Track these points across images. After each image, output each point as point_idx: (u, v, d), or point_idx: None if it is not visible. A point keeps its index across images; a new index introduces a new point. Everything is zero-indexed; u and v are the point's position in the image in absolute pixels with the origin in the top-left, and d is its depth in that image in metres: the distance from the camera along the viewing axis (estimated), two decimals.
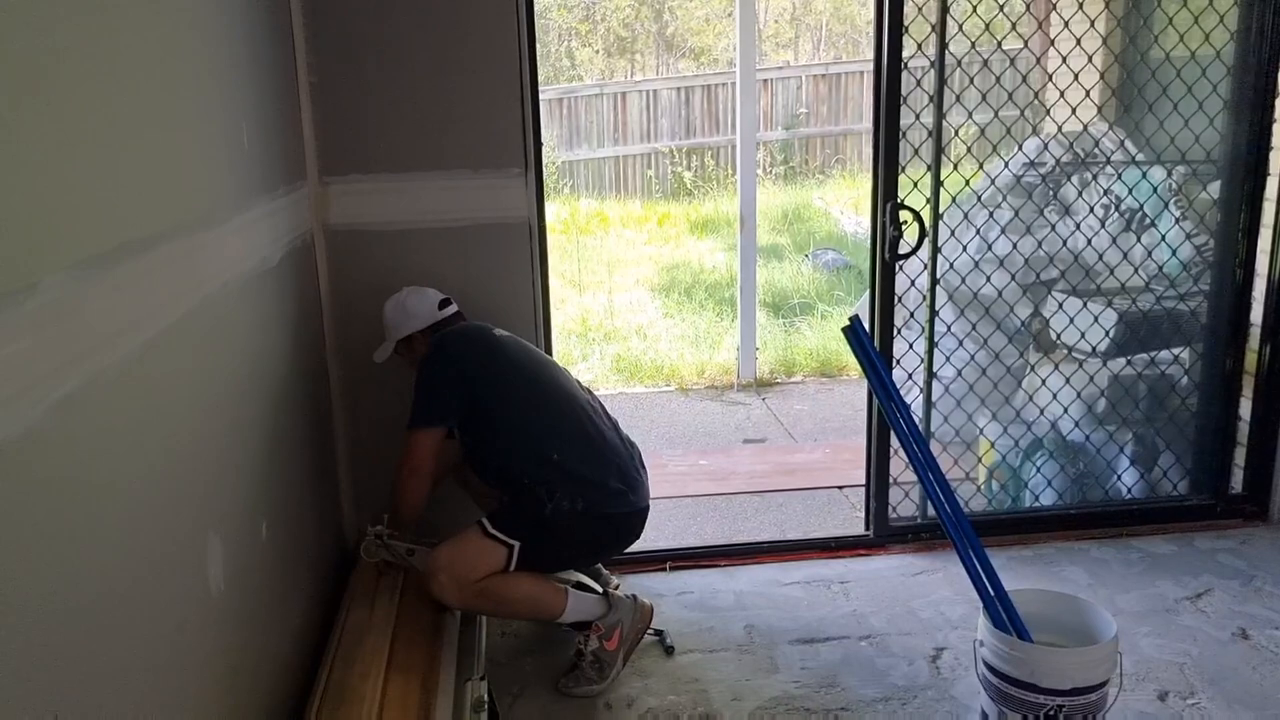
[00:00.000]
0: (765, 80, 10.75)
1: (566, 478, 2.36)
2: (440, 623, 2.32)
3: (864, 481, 3.16)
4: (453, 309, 2.58)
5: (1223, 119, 3.11)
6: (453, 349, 2.45)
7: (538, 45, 2.71)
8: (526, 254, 2.75)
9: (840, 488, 3.73)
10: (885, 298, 2.98)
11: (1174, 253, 3.33)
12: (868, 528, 3.19)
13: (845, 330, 2.26)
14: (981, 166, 3.48)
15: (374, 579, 2.42)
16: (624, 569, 2.99)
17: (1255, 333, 3.16)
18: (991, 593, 2.11)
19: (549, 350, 2.85)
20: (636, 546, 3.18)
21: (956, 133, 3.01)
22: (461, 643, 2.31)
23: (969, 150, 3.18)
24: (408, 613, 2.31)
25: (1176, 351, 3.36)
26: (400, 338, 2.55)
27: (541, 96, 2.76)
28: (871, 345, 2.29)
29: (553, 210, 8.83)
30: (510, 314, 2.75)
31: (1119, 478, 3.36)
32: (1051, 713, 1.98)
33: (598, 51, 14.13)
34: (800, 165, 10.91)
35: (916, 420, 2.63)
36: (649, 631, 2.62)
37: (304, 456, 2.41)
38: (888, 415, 2.26)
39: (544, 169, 2.85)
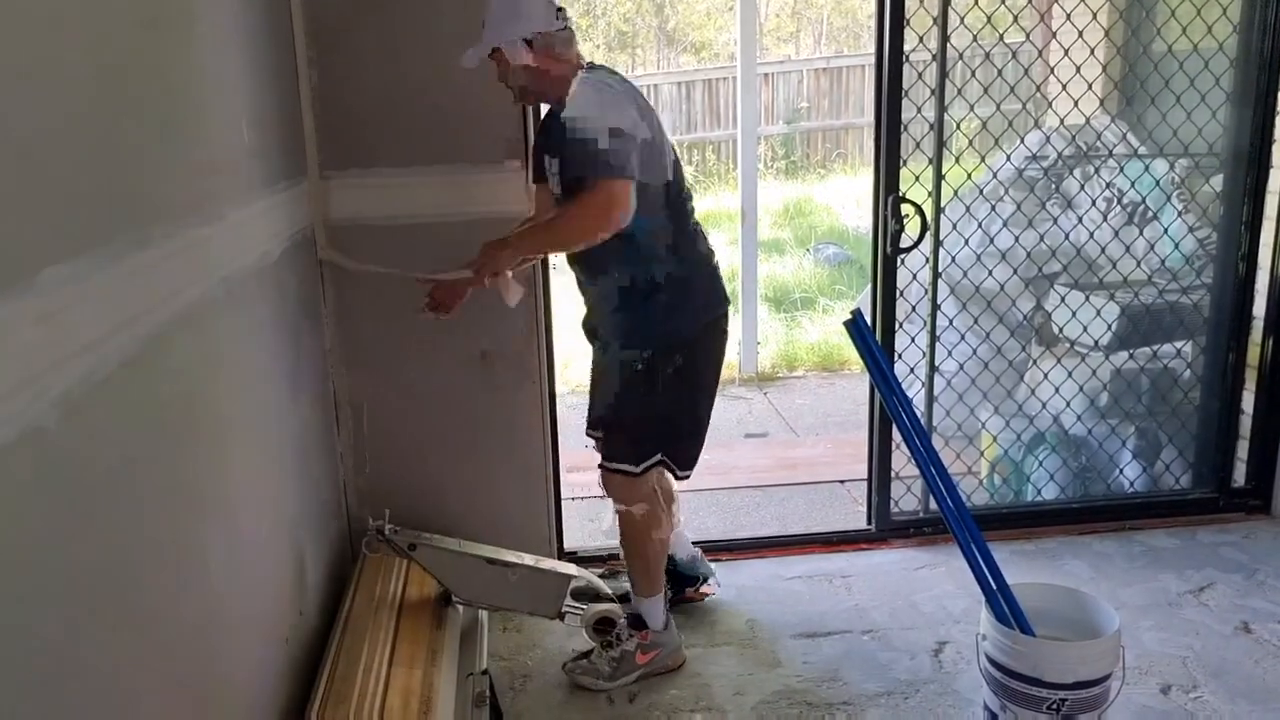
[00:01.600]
0: (766, 74, 10.73)
1: (683, 281, 2.30)
2: (442, 617, 2.32)
3: (866, 476, 3.16)
4: (565, 23, 2.22)
5: (1226, 112, 3.10)
6: (619, 86, 2.18)
7: None
8: None
9: (842, 482, 3.73)
10: (887, 292, 2.97)
11: (1176, 246, 3.32)
12: (869, 522, 3.18)
13: (847, 324, 2.25)
14: (983, 160, 3.48)
15: (376, 575, 2.42)
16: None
17: (1258, 326, 3.15)
18: (994, 586, 2.10)
19: (548, 345, 2.85)
20: None
21: (958, 126, 3.00)
22: (464, 638, 2.31)
23: (971, 144, 3.17)
24: (410, 608, 2.31)
25: (1179, 345, 3.35)
26: (503, 42, 2.16)
27: None
28: (873, 339, 2.29)
29: None
30: (510, 308, 2.74)
31: (1121, 471, 3.36)
32: (1054, 706, 1.98)
33: (598, 46, 14.09)
34: (802, 159, 10.89)
35: (918, 414, 2.63)
36: None
37: (306, 451, 2.40)
38: (889, 409, 2.26)
39: None
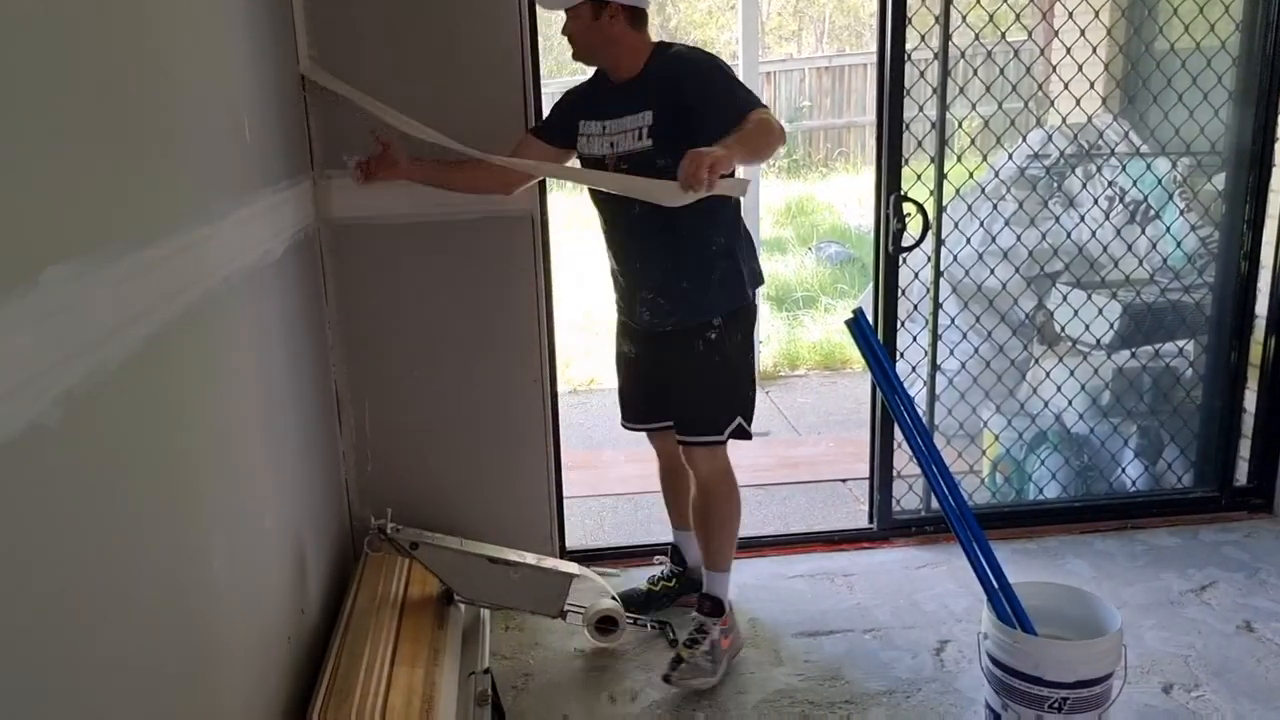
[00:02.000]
0: (768, 73, 10.73)
1: (742, 250, 2.40)
2: (444, 616, 2.32)
3: (868, 474, 3.16)
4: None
5: (1228, 110, 3.10)
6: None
7: (540, 37, 2.69)
8: (529, 246, 2.74)
9: (844, 481, 3.73)
10: (889, 290, 2.97)
11: (1178, 245, 3.32)
12: (871, 521, 3.18)
13: (848, 323, 2.25)
14: (985, 159, 3.47)
15: (378, 574, 2.42)
16: (629, 562, 3.00)
17: (1260, 325, 3.15)
18: (995, 585, 2.10)
19: (550, 344, 2.85)
20: (639, 540, 3.21)
21: (960, 125, 3.00)
22: (466, 636, 2.31)
23: (973, 142, 3.17)
24: (412, 607, 2.32)
25: (1181, 344, 3.35)
26: None
27: (544, 89, 2.75)
28: (875, 338, 2.29)
29: (556, 203, 8.79)
30: (513, 305, 2.75)
31: (1123, 470, 3.36)
32: (1056, 705, 1.98)
33: None
34: (804, 158, 10.89)
35: (920, 413, 2.63)
36: (653, 624, 2.63)
37: (308, 450, 2.40)
38: (891, 408, 2.26)
39: None
